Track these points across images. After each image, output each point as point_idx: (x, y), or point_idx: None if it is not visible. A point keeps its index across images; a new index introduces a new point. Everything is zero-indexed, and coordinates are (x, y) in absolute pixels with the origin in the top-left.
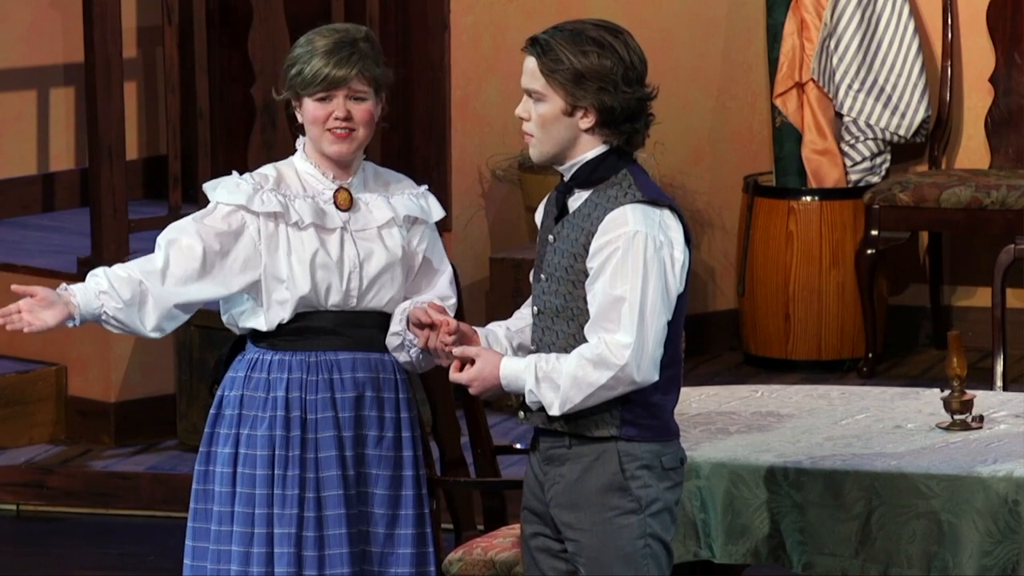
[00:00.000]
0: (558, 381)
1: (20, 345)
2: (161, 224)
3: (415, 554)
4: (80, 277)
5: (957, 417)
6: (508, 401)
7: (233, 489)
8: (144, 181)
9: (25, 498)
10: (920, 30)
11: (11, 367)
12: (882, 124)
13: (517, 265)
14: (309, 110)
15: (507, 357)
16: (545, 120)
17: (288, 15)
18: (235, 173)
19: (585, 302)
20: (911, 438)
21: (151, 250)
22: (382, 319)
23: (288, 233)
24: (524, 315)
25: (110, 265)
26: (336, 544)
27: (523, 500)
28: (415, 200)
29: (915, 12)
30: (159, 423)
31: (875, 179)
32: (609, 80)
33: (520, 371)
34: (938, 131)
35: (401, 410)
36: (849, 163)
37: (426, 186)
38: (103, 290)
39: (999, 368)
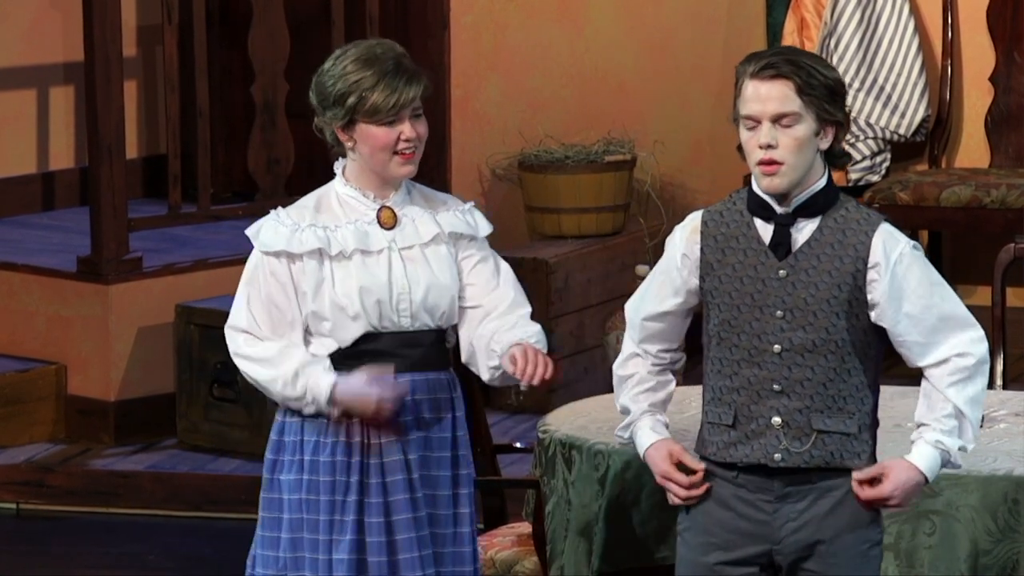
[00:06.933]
0: (965, 424)
1: (20, 344)
2: (161, 223)
3: (472, 551)
4: (80, 276)
5: None
6: (508, 399)
7: (302, 516)
8: (144, 180)
9: (25, 497)
10: (920, 29)
11: (11, 366)
12: (882, 123)
13: (517, 264)
14: (375, 136)
15: (912, 456)
16: (801, 143)
17: (288, 14)
18: (274, 211)
19: (850, 332)
20: (911, 437)
21: (150, 249)
22: (438, 335)
23: (332, 267)
24: (661, 388)
25: (109, 263)
26: (408, 568)
27: (704, 551)
28: (461, 216)
29: (915, 11)
30: (159, 422)
31: (875, 178)
32: (846, 93)
33: (935, 455)
34: (938, 130)
35: (457, 428)
36: (849, 162)
37: (472, 203)
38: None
39: (999, 367)
